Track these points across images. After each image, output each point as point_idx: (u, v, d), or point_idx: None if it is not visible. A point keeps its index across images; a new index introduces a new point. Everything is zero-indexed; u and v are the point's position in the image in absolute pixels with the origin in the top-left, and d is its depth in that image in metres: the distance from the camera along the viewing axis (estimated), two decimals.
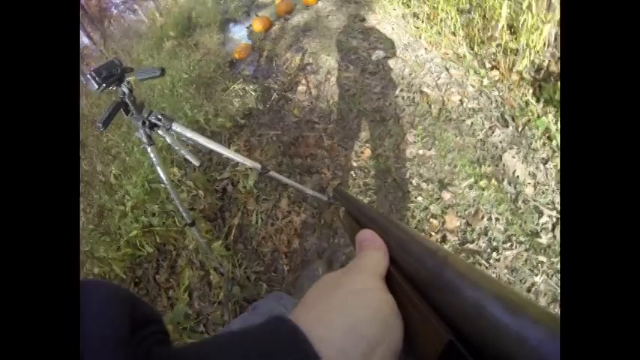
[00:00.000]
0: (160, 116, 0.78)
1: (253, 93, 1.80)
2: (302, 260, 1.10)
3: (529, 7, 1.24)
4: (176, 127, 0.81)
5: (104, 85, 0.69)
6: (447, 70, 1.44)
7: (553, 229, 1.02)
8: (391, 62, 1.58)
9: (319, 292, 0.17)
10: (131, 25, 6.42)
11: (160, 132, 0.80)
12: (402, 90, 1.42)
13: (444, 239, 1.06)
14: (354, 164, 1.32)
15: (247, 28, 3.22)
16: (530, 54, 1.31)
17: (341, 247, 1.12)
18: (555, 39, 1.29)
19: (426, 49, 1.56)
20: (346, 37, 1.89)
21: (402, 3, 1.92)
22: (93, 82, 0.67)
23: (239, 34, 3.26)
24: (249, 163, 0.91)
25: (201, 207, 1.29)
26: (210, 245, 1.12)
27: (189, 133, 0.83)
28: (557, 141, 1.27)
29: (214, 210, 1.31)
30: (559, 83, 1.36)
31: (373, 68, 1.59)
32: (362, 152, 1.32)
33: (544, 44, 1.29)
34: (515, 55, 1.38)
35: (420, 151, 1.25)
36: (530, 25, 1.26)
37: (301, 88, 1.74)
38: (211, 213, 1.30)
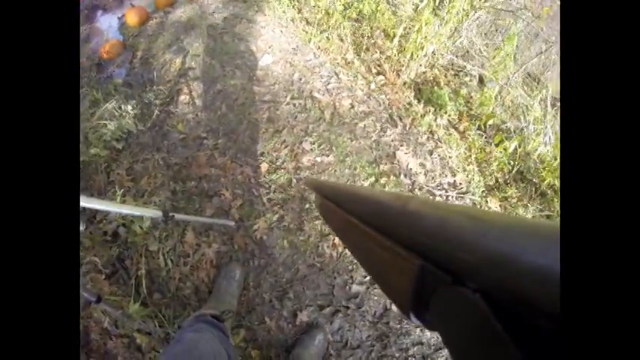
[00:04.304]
0: None
1: (131, 111, 1.57)
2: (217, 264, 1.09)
3: (419, 29, 1.46)
4: None
5: None
6: (337, 75, 1.53)
7: None
8: (280, 67, 1.59)
9: None
10: None
11: None
12: (292, 97, 1.44)
13: None
14: (253, 181, 1.28)
15: (119, 19, 2.85)
16: (414, 64, 1.55)
17: (262, 267, 1.10)
18: (433, 53, 1.58)
19: (314, 53, 1.64)
20: (232, 39, 1.83)
21: (293, 7, 1.98)
22: None
23: (108, 25, 2.85)
24: (147, 213, 0.85)
25: (93, 262, 1.08)
26: (126, 310, 0.99)
27: None
28: (438, 135, 1.49)
29: (111, 261, 1.12)
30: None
31: (262, 74, 1.58)
32: (259, 167, 1.29)
33: (425, 56, 1.56)
34: (401, 64, 1.60)
35: (319, 159, 1.29)
36: (417, 43, 1.50)
37: (183, 97, 1.60)
38: (108, 266, 1.11)
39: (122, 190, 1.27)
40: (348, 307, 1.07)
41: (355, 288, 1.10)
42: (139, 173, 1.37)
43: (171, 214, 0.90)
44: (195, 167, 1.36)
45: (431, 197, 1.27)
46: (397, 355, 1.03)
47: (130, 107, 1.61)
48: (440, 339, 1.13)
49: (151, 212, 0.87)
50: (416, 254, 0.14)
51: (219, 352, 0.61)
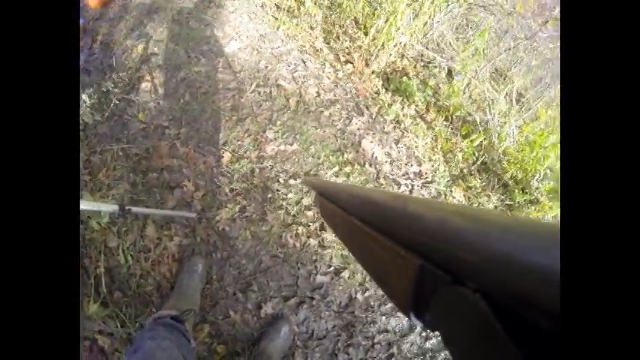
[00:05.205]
0: None
1: (88, 100, 1.49)
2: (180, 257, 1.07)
3: (393, 21, 1.49)
4: None
5: None
6: (304, 62, 1.52)
7: (410, 194, 1.30)
8: (246, 54, 1.56)
9: None
10: None
11: None
12: (258, 85, 1.42)
13: (322, 227, 1.12)
14: (215, 171, 1.25)
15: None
16: (384, 54, 1.56)
17: (225, 260, 1.08)
18: (404, 44, 1.60)
19: (282, 40, 1.61)
20: (199, 24, 1.77)
21: None
22: None
23: None
24: (103, 208, 0.82)
25: None
26: (85, 311, 0.95)
27: None
28: (405, 124, 1.51)
29: None
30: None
31: (228, 61, 1.53)
32: (221, 156, 1.26)
33: (395, 46, 1.57)
34: (370, 54, 1.60)
35: (282, 147, 1.28)
36: (390, 34, 1.51)
37: (145, 85, 1.53)
38: None
39: None
40: (312, 298, 1.07)
41: (319, 278, 1.11)
42: (97, 166, 1.30)
43: (127, 207, 0.87)
44: (156, 158, 1.31)
45: (396, 187, 1.29)
46: (363, 343, 1.04)
47: (85, 96, 1.52)
48: (402, 326, 1.14)
49: (106, 207, 0.83)
50: (416, 254, 0.14)
51: None
